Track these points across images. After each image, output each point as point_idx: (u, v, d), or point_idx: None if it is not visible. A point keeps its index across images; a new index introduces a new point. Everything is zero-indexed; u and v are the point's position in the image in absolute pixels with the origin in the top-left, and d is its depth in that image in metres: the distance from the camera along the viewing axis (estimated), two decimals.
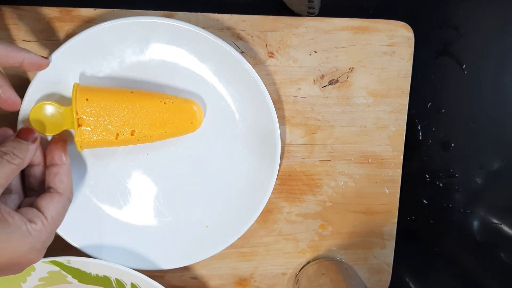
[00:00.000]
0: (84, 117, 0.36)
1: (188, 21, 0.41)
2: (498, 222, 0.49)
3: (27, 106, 0.38)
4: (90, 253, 0.41)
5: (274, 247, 0.46)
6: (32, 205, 0.35)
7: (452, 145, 0.48)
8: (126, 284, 0.41)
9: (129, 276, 0.40)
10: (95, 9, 0.40)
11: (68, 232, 0.40)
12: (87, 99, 0.36)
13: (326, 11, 0.42)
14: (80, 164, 0.41)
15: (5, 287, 0.41)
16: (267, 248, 0.46)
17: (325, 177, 0.45)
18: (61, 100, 0.39)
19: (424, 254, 0.50)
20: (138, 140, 0.38)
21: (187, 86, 0.41)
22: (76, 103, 0.36)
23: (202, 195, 0.43)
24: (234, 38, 0.42)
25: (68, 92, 0.39)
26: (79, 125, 0.36)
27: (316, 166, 0.45)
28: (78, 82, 0.39)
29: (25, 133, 0.35)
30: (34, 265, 0.39)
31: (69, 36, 0.40)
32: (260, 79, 0.40)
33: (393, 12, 0.45)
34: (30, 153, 0.34)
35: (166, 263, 0.42)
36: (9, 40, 0.40)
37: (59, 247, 0.40)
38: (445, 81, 0.47)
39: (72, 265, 0.40)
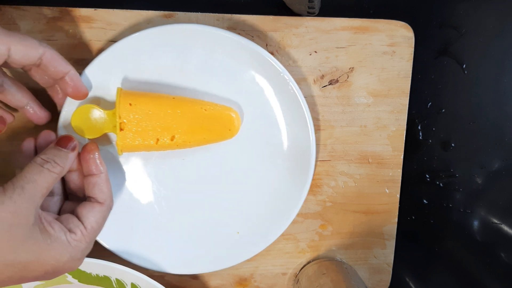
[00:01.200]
0: (126, 121, 0.37)
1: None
2: (498, 222, 0.49)
3: (67, 109, 0.38)
4: (121, 255, 0.41)
5: (274, 247, 0.46)
6: (73, 211, 0.35)
7: (452, 145, 0.48)
8: (126, 284, 0.41)
9: (130, 276, 0.40)
10: (95, 9, 0.40)
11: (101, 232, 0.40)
12: (130, 104, 0.37)
13: (326, 11, 0.42)
14: (115, 166, 0.41)
15: (5, 287, 0.41)
16: (267, 248, 0.45)
17: (325, 177, 0.45)
18: (101, 104, 0.39)
19: (424, 254, 0.50)
20: (177, 145, 0.38)
21: (224, 93, 0.41)
22: (120, 107, 0.36)
23: (235, 202, 0.43)
24: None
25: (108, 96, 0.39)
26: (121, 129, 0.37)
27: (316, 166, 0.45)
28: (120, 86, 0.39)
29: (65, 141, 0.35)
30: None
31: (70, 36, 0.40)
32: (300, 91, 0.40)
33: (393, 12, 0.45)
34: (70, 161, 0.34)
35: (196, 268, 0.43)
36: None
37: None
38: (445, 81, 0.47)
39: None
